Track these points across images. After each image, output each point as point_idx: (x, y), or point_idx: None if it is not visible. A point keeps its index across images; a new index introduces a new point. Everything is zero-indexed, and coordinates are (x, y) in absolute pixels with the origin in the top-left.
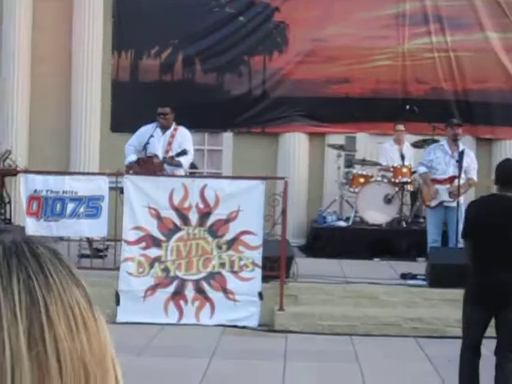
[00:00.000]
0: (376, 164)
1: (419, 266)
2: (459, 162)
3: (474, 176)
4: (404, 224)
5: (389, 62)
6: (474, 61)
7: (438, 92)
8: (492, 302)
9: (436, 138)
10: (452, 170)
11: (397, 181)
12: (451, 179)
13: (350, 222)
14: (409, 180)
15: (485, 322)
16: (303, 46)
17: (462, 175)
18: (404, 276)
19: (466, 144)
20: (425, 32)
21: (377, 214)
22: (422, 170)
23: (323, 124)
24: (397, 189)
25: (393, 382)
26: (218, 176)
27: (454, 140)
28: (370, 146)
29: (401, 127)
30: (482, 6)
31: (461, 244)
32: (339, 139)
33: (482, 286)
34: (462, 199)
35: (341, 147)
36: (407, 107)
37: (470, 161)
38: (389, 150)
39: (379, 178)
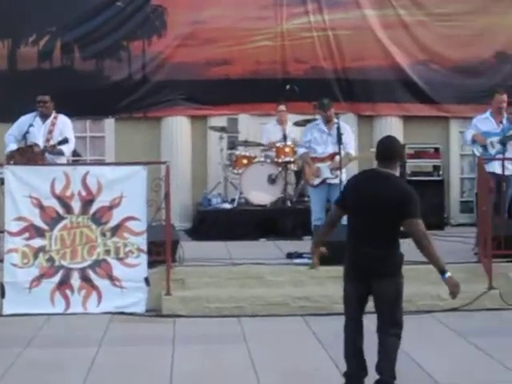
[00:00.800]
0: (259, 145)
1: (305, 245)
2: (339, 139)
3: (352, 150)
4: (289, 203)
5: (268, 43)
6: (353, 39)
7: (317, 71)
8: (362, 276)
9: (318, 116)
10: (331, 148)
11: (280, 160)
12: (332, 156)
13: (235, 204)
14: (292, 159)
15: (360, 297)
16: (182, 29)
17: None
18: (290, 255)
19: (348, 121)
20: (303, 12)
21: (261, 195)
22: (301, 151)
23: (205, 106)
24: (280, 168)
25: (281, 361)
26: (99, 163)
27: (328, 122)
28: (252, 127)
29: (282, 107)
30: None
31: (344, 221)
32: (221, 121)
33: (352, 262)
34: (344, 176)
35: (223, 129)
36: (287, 87)
37: (346, 135)
38: (272, 130)
39: (262, 159)
